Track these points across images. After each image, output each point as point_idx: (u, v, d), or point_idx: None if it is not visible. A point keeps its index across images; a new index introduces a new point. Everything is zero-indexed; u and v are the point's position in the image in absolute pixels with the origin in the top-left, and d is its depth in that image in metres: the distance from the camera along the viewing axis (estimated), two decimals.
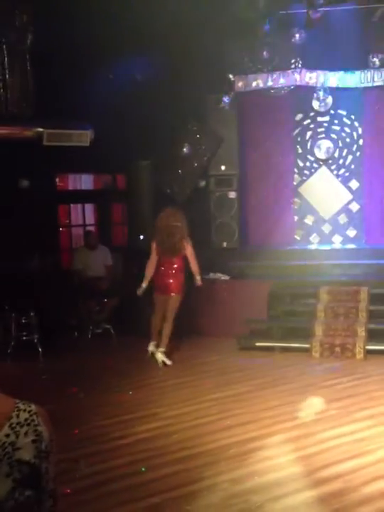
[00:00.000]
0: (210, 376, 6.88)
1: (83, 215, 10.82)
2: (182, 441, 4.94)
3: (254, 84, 9.30)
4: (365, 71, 9.13)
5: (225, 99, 9.22)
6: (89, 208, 10.90)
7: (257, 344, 7.96)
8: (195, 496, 4.00)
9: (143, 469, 4.42)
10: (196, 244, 9.32)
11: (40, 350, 7.81)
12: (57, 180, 10.44)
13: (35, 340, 7.85)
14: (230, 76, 9.29)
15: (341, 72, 9.24)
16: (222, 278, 9.07)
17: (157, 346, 7.57)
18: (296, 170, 10.33)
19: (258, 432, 5.10)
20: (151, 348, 7.62)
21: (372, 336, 7.64)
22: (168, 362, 7.39)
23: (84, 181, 10.86)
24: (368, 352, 7.48)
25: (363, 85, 9.26)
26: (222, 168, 9.73)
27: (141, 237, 9.65)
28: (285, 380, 6.68)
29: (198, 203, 9.70)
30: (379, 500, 3.87)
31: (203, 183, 9.84)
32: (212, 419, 5.44)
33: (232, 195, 9.78)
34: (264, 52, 9.01)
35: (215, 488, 4.09)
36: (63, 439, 4.92)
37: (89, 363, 7.61)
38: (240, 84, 9.35)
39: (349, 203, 10.22)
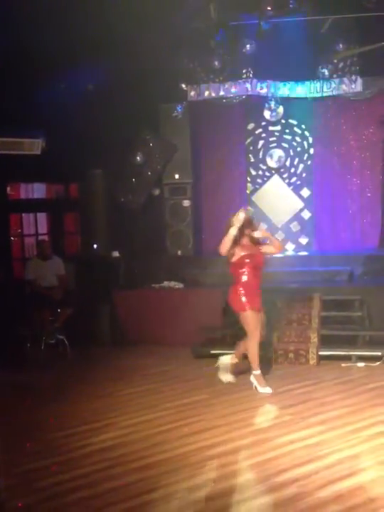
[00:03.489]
0: (167, 385, 6.88)
1: (35, 225, 10.70)
2: (139, 451, 4.93)
3: (206, 93, 9.41)
4: (315, 81, 9.33)
5: (178, 108, 9.29)
6: (41, 217, 10.80)
7: (212, 352, 7.98)
8: (151, 506, 4.00)
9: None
10: (151, 253, 9.36)
11: None
12: (8, 189, 10.31)
13: None
14: (183, 85, 9.38)
15: (292, 83, 9.42)
16: (177, 286, 9.10)
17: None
18: (248, 178, 10.47)
19: (215, 440, 5.12)
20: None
21: (325, 341, 7.77)
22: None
23: (37, 190, 10.76)
24: (321, 358, 7.61)
25: (312, 95, 9.47)
26: (176, 176, 9.79)
27: (95, 246, 9.60)
28: (240, 387, 6.71)
29: (152, 212, 9.73)
30: (333, 505, 3.93)
31: (157, 192, 9.88)
32: (169, 428, 5.44)
33: (187, 203, 9.85)
34: (216, 63, 9.13)
35: (172, 497, 4.09)
36: (16, 453, 4.85)
37: (42, 374, 7.52)
38: (192, 93, 9.44)
39: (301, 210, 10.41)
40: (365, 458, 4.66)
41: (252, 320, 6.42)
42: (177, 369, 7.46)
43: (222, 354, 7.88)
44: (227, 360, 6.74)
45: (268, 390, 6.42)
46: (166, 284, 9.08)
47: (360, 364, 7.35)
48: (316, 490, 4.14)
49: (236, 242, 6.25)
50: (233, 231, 6.14)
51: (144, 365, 7.81)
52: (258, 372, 6.49)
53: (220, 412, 5.84)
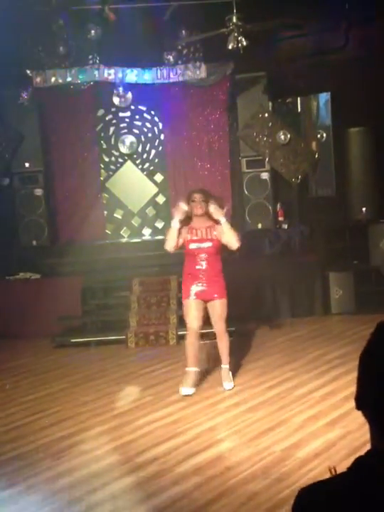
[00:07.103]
0: (25, 378, 6.72)
1: None
2: None
3: (52, 79, 9.18)
4: (161, 68, 9.43)
5: (24, 94, 9.01)
6: None
7: (72, 340, 7.93)
8: (7, 502, 3.93)
9: None
10: (3, 244, 9.05)
11: None
12: None
13: None
14: (28, 71, 9.10)
15: (139, 69, 9.44)
16: (34, 277, 8.90)
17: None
18: (102, 165, 10.40)
19: (75, 428, 5.11)
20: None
21: (183, 322, 7.94)
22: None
23: None
24: (180, 337, 7.79)
25: (159, 82, 9.54)
26: (26, 165, 9.51)
27: None
28: (102, 373, 6.75)
29: (2, 202, 9.41)
30: (192, 477, 4.07)
31: (6, 181, 9.55)
32: (27, 421, 5.34)
33: (39, 192, 9.61)
34: (61, 48, 8.95)
35: (31, 490, 4.04)
36: None
37: None
38: (38, 79, 9.17)
39: (156, 195, 10.53)
40: (221, 429, 4.88)
41: (186, 309, 5.89)
42: (36, 361, 7.31)
43: (84, 342, 7.89)
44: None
45: (185, 390, 5.68)
46: (21, 275, 8.84)
47: None
48: (175, 465, 4.27)
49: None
50: (175, 224, 5.61)
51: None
52: (189, 369, 5.83)
53: (82, 400, 5.83)
